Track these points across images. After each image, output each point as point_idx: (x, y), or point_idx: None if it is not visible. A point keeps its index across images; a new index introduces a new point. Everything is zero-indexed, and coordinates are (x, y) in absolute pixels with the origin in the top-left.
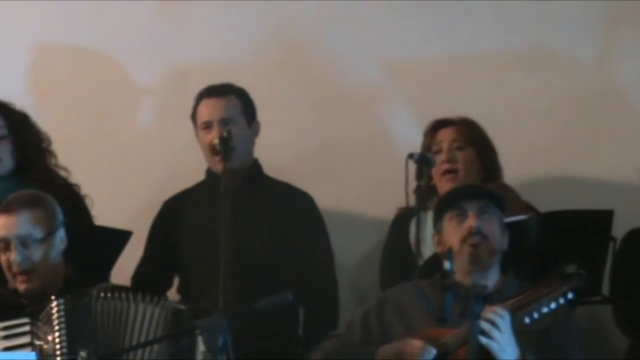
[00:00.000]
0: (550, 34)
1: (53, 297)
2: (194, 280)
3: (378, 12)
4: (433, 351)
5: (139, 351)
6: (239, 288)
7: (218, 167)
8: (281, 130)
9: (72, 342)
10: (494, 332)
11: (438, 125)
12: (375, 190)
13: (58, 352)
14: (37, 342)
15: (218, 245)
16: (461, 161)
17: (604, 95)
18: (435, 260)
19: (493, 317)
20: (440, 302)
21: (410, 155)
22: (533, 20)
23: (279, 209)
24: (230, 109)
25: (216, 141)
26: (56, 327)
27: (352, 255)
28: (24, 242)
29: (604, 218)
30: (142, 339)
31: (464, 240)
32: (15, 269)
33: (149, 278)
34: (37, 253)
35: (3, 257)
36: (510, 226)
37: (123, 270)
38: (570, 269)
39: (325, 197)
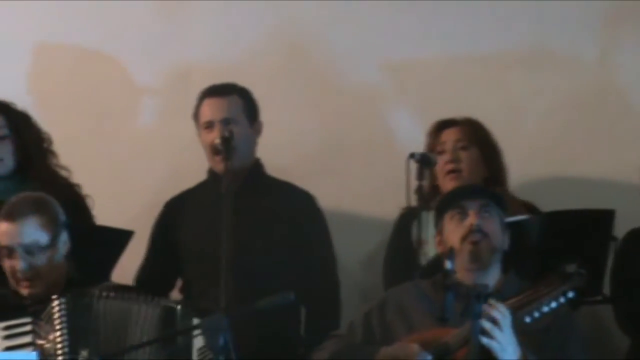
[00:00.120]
0: (550, 34)
1: (54, 297)
2: (196, 280)
3: (379, 12)
4: (428, 357)
5: (137, 350)
6: (240, 288)
7: (219, 167)
8: (282, 130)
9: (74, 341)
10: (495, 332)
11: (442, 126)
12: (377, 190)
13: (59, 352)
14: (39, 342)
15: (219, 245)
16: (465, 161)
17: (604, 95)
18: (439, 260)
19: (495, 314)
20: (441, 302)
21: (412, 155)
22: (533, 21)
23: (280, 208)
24: (232, 109)
25: (217, 141)
26: (57, 327)
27: (354, 255)
28: (29, 250)
29: (605, 218)
30: (138, 338)
31: (464, 238)
32: (19, 275)
33: (152, 279)
34: (41, 259)
35: (7, 264)
36: (512, 226)
37: (124, 270)
38: (571, 268)
39: (326, 197)
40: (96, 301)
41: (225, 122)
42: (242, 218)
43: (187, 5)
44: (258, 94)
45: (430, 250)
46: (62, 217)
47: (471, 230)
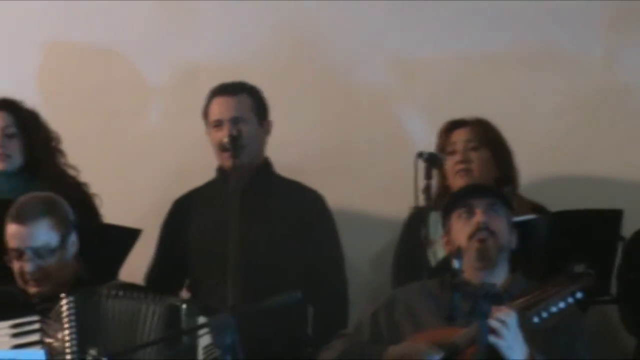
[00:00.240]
0: (557, 34)
1: (63, 295)
2: (204, 279)
3: (387, 11)
4: (438, 355)
5: (144, 349)
6: (248, 287)
7: (228, 165)
8: (291, 128)
9: (82, 340)
10: (503, 331)
11: (453, 126)
12: (386, 189)
13: (68, 350)
14: (47, 340)
15: (227, 244)
16: (476, 162)
17: (611, 94)
18: (448, 261)
19: (501, 318)
20: (448, 302)
21: (420, 155)
22: (541, 20)
23: (288, 207)
24: (242, 108)
25: (226, 140)
26: (66, 325)
27: (363, 254)
28: (39, 252)
29: (613, 217)
30: (146, 337)
31: (471, 236)
32: (28, 277)
33: (161, 278)
34: (50, 260)
35: (16, 265)
36: (519, 225)
37: (132, 268)
38: (580, 268)
39: (335, 196)
40: (105, 300)
41: (234, 120)
42: (250, 217)
43: (195, 5)
44: (266, 92)
45: (439, 250)
46: (71, 217)
47: (478, 229)
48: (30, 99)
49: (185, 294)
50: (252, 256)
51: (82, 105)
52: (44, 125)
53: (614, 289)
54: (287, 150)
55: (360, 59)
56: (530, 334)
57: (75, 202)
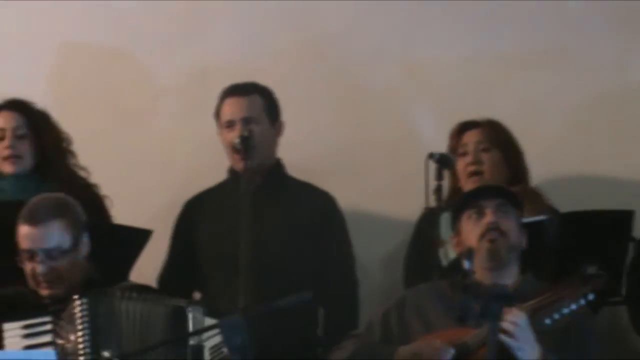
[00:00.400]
0: (568, 34)
1: (76, 297)
2: (215, 280)
3: (399, 12)
4: (451, 351)
5: (153, 350)
6: (258, 288)
7: (239, 166)
8: (301, 129)
9: (95, 341)
10: (514, 332)
11: (464, 127)
12: (397, 190)
13: (81, 352)
14: (59, 341)
15: (237, 245)
16: (487, 163)
17: (623, 94)
18: (459, 263)
19: (512, 319)
20: (460, 302)
21: (431, 155)
22: (552, 21)
23: (299, 209)
24: (253, 108)
25: (237, 141)
26: (79, 327)
27: (374, 255)
28: (51, 254)
29: (624, 218)
30: (157, 338)
31: (482, 236)
32: (40, 278)
33: (174, 279)
34: (62, 261)
35: (28, 266)
36: (530, 227)
37: (142, 269)
38: (591, 269)
39: (346, 197)
40: (117, 301)
41: (246, 121)
42: (261, 218)
43: (206, 6)
44: (278, 93)
45: (450, 251)
46: (83, 218)
47: (488, 229)
48: (41, 99)
49: (197, 295)
50: (263, 257)
51: (92, 106)
52: (55, 126)
53: (624, 290)
54: (297, 151)
55: (371, 60)
56: (541, 334)
57: (85, 203)
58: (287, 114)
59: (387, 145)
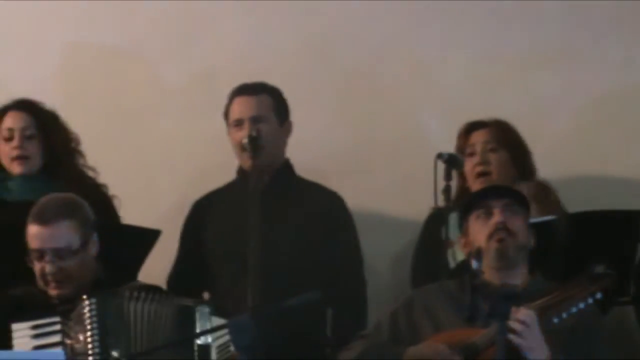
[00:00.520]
0: (576, 34)
1: (85, 297)
2: (223, 280)
3: (407, 12)
4: (458, 356)
5: (161, 350)
6: (267, 287)
7: (247, 165)
8: (309, 129)
9: (104, 341)
10: (523, 332)
11: (471, 128)
12: (405, 190)
13: (90, 352)
14: (68, 342)
15: (246, 244)
16: (494, 163)
17: (632, 94)
18: (467, 263)
19: (521, 318)
20: (468, 302)
21: (439, 156)
22: (560, 21)
23: (307, 209)
24: (262, 107)
25: (245, 140)
26: (88, 327)
27: (382, 255)
28: (60, 254)
29: (633, 218)
30: (166, 338)
31: (490, 236)
32: (49, 278)
33: (183, 279)
34: (71, 261)
35: (37, 266)
36: (539, 226)
37: (151, 269)
38: (599, 269)
39: (355, 197)
40: (126, 302)
41: (255, 120)
42: (269, 218)
43: (214, 6)
44: (286, 93)
45: (458, 252)
46: (92, 218)
47: (497, 229)
48: (49, 100)
49: (206, 294)
50: (271, 257)
51: (101, 106)
52: (63, 127)
53: (633, 289)
54: (305, 151)
55: (379, 60)
56: (549, 334)
57: (94, 203)
58: (295, 114)
59: (394, 145)
